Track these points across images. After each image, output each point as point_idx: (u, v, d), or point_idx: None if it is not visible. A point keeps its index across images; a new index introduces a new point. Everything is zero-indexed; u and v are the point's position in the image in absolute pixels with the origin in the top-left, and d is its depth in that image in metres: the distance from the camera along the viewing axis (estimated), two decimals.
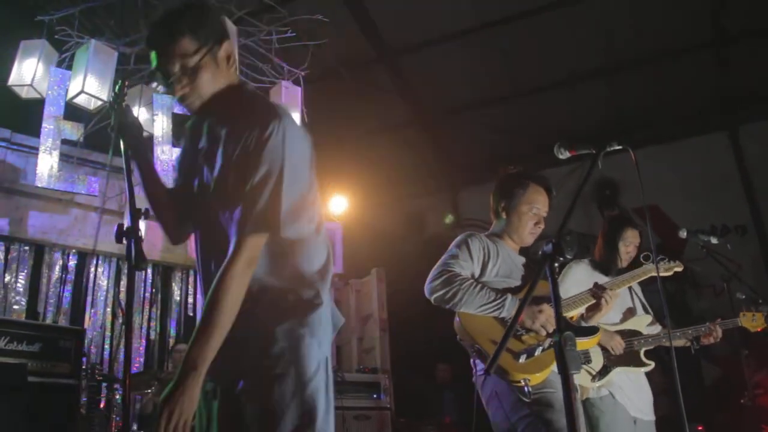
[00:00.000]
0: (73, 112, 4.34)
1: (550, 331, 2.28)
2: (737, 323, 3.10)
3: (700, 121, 6.48)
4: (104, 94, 4.07)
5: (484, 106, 6.74)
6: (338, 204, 6.68)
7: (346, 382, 5.29)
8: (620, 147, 1.81)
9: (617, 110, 6.52)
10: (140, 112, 4.73)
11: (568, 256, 1.51)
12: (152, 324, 5.78)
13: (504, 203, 2.61)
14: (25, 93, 4.25)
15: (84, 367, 4.13)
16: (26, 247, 5.25)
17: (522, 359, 2.25)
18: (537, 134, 6.06)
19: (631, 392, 2.88)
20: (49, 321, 5.10)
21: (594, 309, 2.63)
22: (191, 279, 6.04)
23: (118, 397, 4.68)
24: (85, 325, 5.26)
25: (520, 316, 1.62)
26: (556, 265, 1.53)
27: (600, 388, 2.86)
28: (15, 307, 5.04)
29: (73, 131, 4.50)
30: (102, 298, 5.53)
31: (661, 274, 2.86)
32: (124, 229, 1.51)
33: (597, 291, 2.59)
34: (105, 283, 5.59)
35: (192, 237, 1.81)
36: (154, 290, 5.86)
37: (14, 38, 4.26)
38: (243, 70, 4.48)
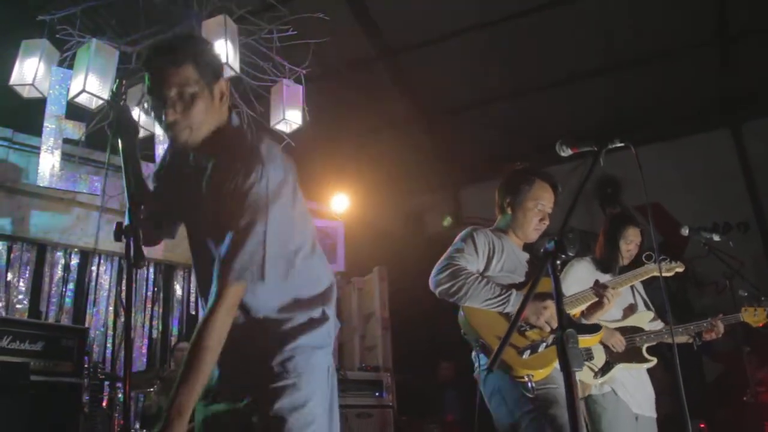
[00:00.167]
0: (74, 111, 4.34)
1: (555, 327, 2.28)
2: (739, 318, 3.09)
3: (700, 120, 6.47)
4: (105, 93, 4.06)
5: (484, 105, 6.75)
6: (340, 202, 6.69)
7: (348, 380, 5.29)
8: (622, 144, 1.81)
9: (617, 110, 6.51)
10: (141, 112, 4.73)
11: (570, 254, 1.50)
12: (154, 323, 5.79)
13: (510, 199, 2.60)
14: (26, 92, 4.25)
15: (86, 365, 4.13)
16: (28, 247, 5.26)
17: (526, 355, 2.25)
18: (537, 134, 6.06)
19: (633, 389, 2.88)
20: (51, 320, 5.12)
21: (595, 307, 2.64)
22: (193, 278, 6.05)
23: (120, 395, 4.69)
24: (88, 324, 5.27)
25: (522, 312, 1.63)
26: (558, 262, 1.53)
27: (602, 385, 2.86)
28: (17, 306, 5.06)
29: (75, 130, 4.51)
30: (104, 296, 5.54)
31: (663, 275, 2.86)
32: (123, 227, 1.51)
33: (599, 290, 2.60)
34: (107, 281, 5.60)
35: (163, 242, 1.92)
36: (156, 289, 5.88)
37: (15, 38, 4.25)
38: (244, 69, 4.47)
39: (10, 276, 5.08)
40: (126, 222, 1.52)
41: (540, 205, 2.56)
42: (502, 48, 5.87)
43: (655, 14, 5.44)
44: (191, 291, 6.03)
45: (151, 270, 5.87)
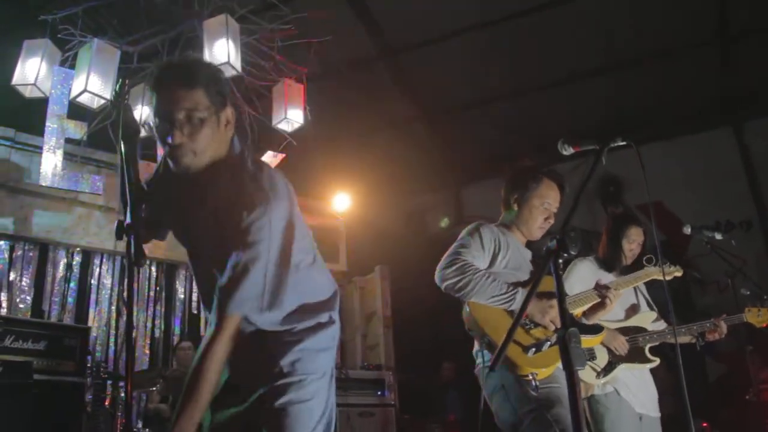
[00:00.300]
0: (76, 110, 4.35)
1: (559, 326, 2.28)
2: (742, 319, 3.08)
3: (701, 120, 6.47)
4: (107, 93, 4.07)
5: (484, 105, 6.75)
6: (341, 201, 6.69)
7: (350, 379, 5.30)
8: (624, 143, 1.80)
9: (618, 110, 6.51)
10: (143, 111, 4.74)
11: (572, 253, 1.50)
12: (157, 322, 5.80)
13: (516, 195, 2.60)
14: (28, 92, 4.26)
15: (89, 365, 4.15)
16: (31, 246, 5.27)
17: (531, 353, 2.25)
18: (537, 133, 6.05)
19: (636, 389, 2.87)
20: (54, 319, 5.13)
21: (597, 307, 2.63)
22: None
23: (123, 394, 4.70)
24: (90, 323, 5.28)
25: (524, 311, 1.65)
26: (561, 261, 1.53)
27: (605, 385, 2.86)
28: (20, 305, 5.07)
29: (77, 130, 4.51)
30: (106, 296, 5.55)
31: (661, 278, 2.87)
32: (125, 225, 1.51)
33: (601, 291, 2.59)
34: (109, 281, 5.61)
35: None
36: (158, 288, 5.88)
37: (17, 38, 4.26)
38: (246, 68, 4.48)
39: (12, 275, 5.09)
40: (127, 220, 1.52)
41: (546, 204, 2.55)
42: (503, 48, 5.87)
43: (655, 14, 5.43)
44: (193, 290, 6.02)
45: (153, 269, 5.88)
